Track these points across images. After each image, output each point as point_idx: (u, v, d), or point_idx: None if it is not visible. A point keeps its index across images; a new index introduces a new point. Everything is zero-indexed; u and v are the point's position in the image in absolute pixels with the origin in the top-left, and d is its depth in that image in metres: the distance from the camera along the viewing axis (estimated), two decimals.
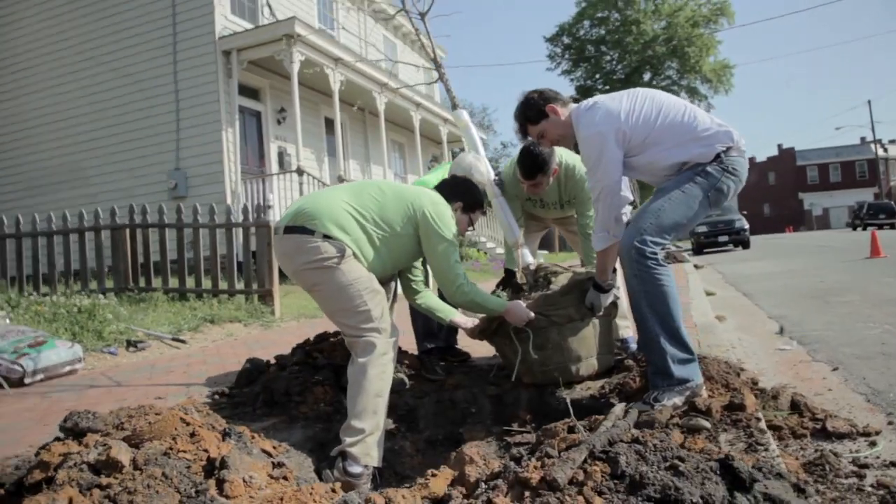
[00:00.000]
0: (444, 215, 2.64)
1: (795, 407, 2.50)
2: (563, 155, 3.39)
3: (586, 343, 2.94)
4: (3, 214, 8.60)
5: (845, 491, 1.78)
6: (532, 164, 3.23)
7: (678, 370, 2.33)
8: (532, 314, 2.83)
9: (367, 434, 2.36)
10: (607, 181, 2.45)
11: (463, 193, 2.89)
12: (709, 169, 2.42)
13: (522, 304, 2.87)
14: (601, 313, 2.94)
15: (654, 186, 2.64)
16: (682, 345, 2.36)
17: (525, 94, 2.75)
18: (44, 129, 12.42)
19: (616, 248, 2.57)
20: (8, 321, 4.93)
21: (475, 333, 3.09)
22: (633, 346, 3.57)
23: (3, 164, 12.86)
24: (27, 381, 4.15)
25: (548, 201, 3.60)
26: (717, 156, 2.42)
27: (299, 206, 2.56)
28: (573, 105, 2.65)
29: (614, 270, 2.85)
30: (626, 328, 3.60)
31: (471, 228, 3.02)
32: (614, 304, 3.07)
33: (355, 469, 2.29)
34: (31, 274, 7.74)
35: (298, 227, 2.49)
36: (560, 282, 3.07)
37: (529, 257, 3.37)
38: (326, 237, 2.44)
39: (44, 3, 12.44)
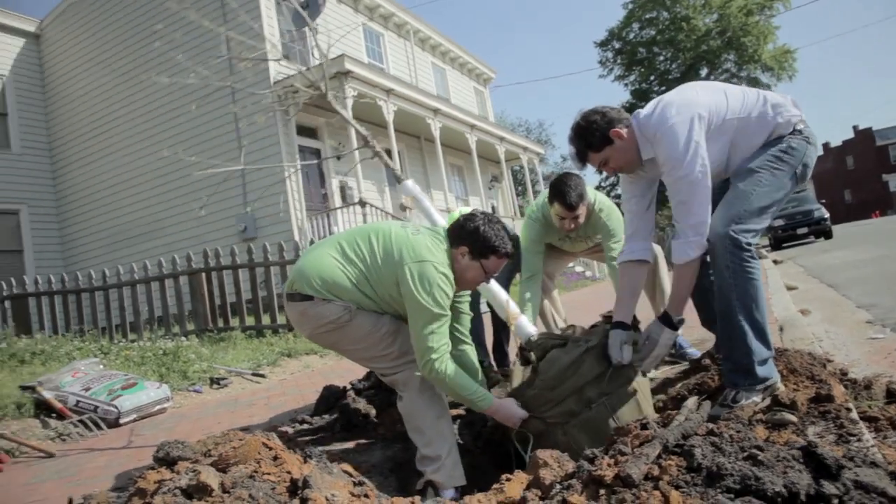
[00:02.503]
0: (428, 276, 2.26)
1: (892, 396, 2.34)
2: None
3: (609, 431, 2.23)
4: (91, 269, 9.20)
5: None
6: (577, 191, 3.13)
7: (761, 369, 2.21)
8: (525, 413, 2.37)
9: (445, 458, 2.33)
10: (695, 172, 2.19)
11: (470, 234, 2.39)
12: (794, 144, 2.27)
13: (514, 401, 2.40)
14: (640, 373, 2.32)
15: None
16: (766, 342, 2.23)
17: (585, 115, 2.40)
18: (120, 188, 13.30)
19: (696, 266, 2.30)
20: (101, 367, 5.23)
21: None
22: (689, 349, 3.45)
23: (86, 223, 13.81)
24: (122, 421, 4.40)
25: (572, 236, 3.54)
26: (795, 126, 2.29)
27: (296, 270, 2.45)
28: (631, 119, 2.39)
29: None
30: None
31: (488, 279, 2.52)
32: (633, 369, 2.39)
33: (449, 493, 2.30)
34: (119, 323, 8.23)
35: (297, 294, 2.40)
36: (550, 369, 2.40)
37: (530, 327, 2.91)
38: (326, 300, 2.35)
39: (115, 72, 13.35)
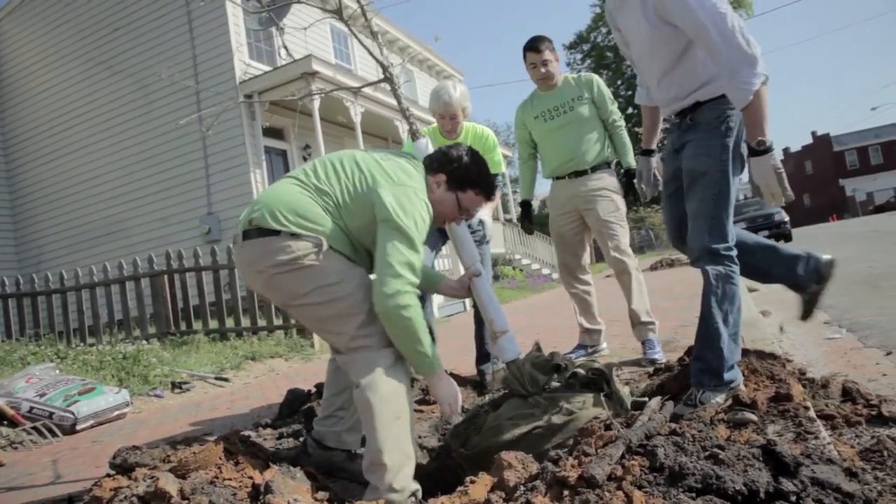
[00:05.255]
0: (409, 200, 1.99)
1: (847, 394, 2.42)
2: None
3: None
4: (48, 272, 8.94)
5: None
6: (546, 42, 3.70)
7: (728, 374, 2.28)
8: (459, 405, 2.08)
9: (398, 468, 1.91)
10: (707, 7, 2.02)
11: (451, 161, 2.17)
12: (731, 124, 2.24)
13: (453, 384, 2.06)
14: None
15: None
16: (737, 348, 2.32)
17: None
18: (82, 187, 12.92)
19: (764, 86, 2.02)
20: (57, 371, 5.08)
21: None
22: (652, 351, 3.48)
23: (44, 223, 13.39)
24: (79, 427, 4.27)
25: (559, 103, 3.77)
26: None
27: (257, 203, 2.06)
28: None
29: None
30: (651, 330, 3.53)
31: (463, 218, 2.28)
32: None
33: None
34: (78, 326, 8.01)
35: (256, 230, 2.01)
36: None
37: (512, 349, 2.43)
38: (294, 235, 1.97)
39: (76, 68, 13.01)
